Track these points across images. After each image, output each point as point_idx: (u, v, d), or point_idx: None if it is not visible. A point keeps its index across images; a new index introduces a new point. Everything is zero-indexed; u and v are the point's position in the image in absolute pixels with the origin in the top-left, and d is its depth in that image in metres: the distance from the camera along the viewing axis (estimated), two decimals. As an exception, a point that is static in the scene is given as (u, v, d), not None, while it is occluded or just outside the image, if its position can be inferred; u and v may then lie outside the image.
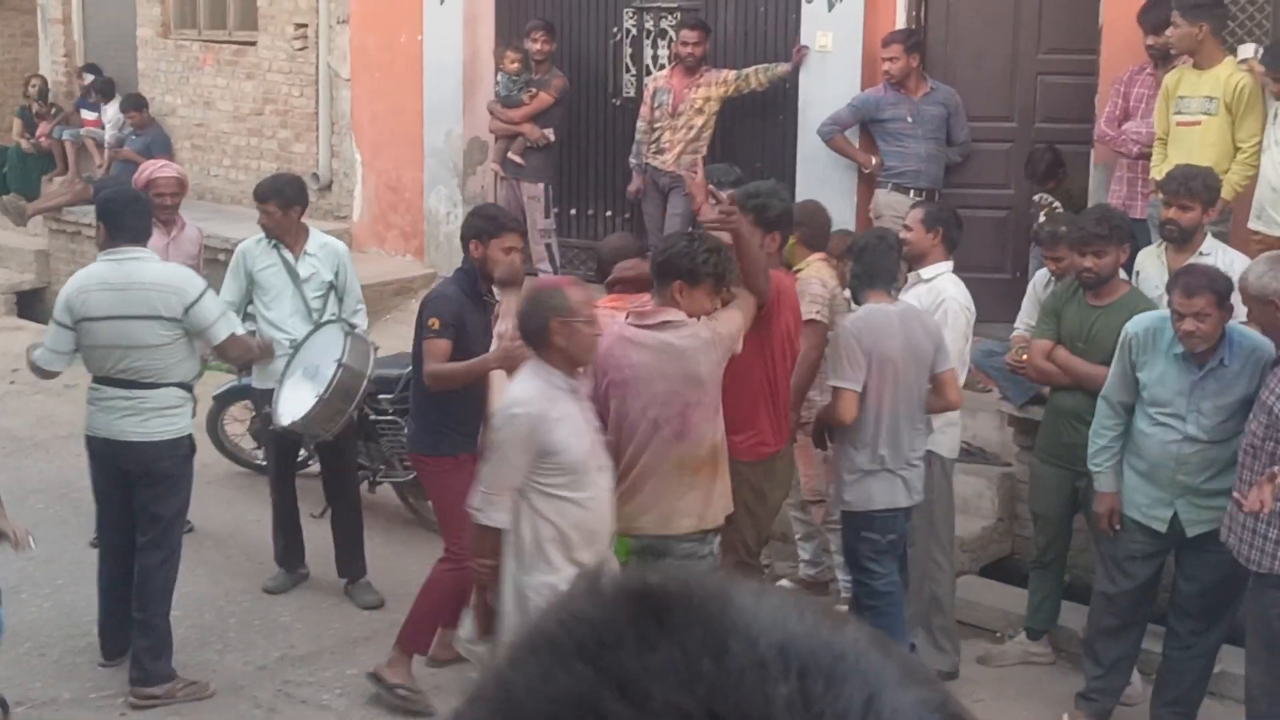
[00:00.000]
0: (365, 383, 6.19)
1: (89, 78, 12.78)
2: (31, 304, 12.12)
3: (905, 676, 0.62)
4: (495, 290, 5.59)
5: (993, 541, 7.03)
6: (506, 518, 4.49)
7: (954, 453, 5.94)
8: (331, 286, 6.59)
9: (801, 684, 0.58)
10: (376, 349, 6.42)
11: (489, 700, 0.61)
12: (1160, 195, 6.13)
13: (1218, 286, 4.97)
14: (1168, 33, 6.69)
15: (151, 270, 5.61)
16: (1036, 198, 7.56)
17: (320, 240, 6.69)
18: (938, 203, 6.75)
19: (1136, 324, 5.26)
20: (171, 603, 5.73)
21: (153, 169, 7.12)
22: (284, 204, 6.51)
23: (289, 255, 6.55)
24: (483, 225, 5.60)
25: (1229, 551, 5.03)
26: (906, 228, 5.94)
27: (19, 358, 10.37)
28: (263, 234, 6.61)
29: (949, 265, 5.89)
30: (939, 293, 5.71)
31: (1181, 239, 5.88)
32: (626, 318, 4.97)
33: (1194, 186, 5.84)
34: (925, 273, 5.82)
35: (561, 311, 4.43)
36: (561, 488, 4.45)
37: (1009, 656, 6.08)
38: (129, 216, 5.65)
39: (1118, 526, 5.34)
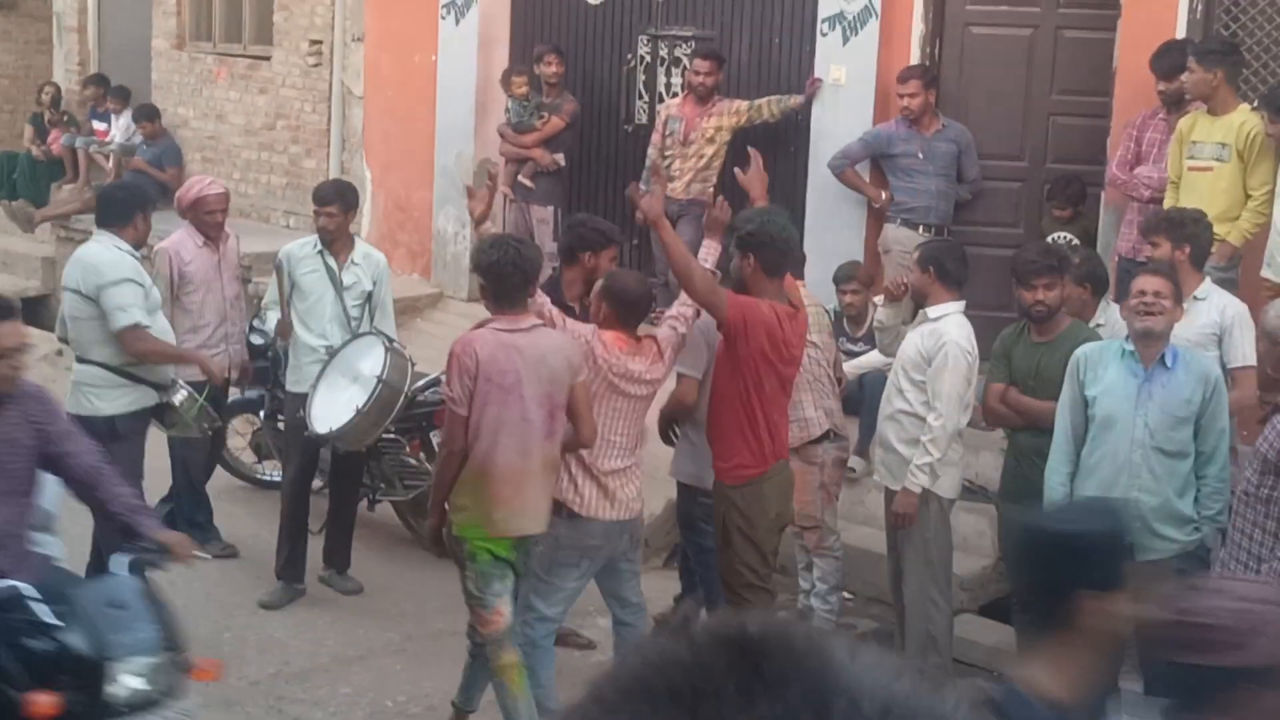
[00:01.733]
0: (402, 399, 6.27)
1: (92, 88, 12.84)
2: (37, 311, 12.10)
3: None
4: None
5: (992, 580, 7.01)
6: None
7: (953, 493, 5.92)
8: (369, 297, 6.67)
9: None
10: (414, 364, 6.46)
11: None
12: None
13: (1171, 276, 5.12)
14: (1183, 78, 6.72)
15: (90, 249, 6.13)
16: (1053, 237, 7.55)
17: (364, 250, 6.84)
18: (933, 240, 6.74)
19: (1084, 349, 5.34)
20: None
21: (200, 186, 7.14)
22: (345, 207, 6.68)
23: (333, 262, 6.63)
24: (596, 237, 5.75)
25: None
26: (907, 269, 5.98)
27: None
28: (311, 239, 6.74)
29: (958, 305, 5.79)
30: (940, 335, 5.66)
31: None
32: (485, 325, 5.05)
33: (1152, 224, 5.91)
34: (931, 312, 5.78)
35: None
36: None
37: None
38: (107, 203, 6.23)
39: None
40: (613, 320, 5.28)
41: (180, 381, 6.21)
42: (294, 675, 5.97)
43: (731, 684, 0.58)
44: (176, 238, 7.04)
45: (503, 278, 4.98)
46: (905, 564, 5.79)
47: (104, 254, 5.96)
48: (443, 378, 5.53)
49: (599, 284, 5.42)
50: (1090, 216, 7.70)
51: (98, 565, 5.46)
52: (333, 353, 6.45)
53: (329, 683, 5.93)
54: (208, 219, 6.91)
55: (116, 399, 6.00)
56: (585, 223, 6.03)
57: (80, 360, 6.01)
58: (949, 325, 5.72)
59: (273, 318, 6.76)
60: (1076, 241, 7.43)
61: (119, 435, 5.92)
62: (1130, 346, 5.12)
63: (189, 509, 7.10)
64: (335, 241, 6.63)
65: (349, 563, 6.84)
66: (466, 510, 5.07)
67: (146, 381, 6.10)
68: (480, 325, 5.13)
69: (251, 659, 6.10)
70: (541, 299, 5.22)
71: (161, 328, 6.20)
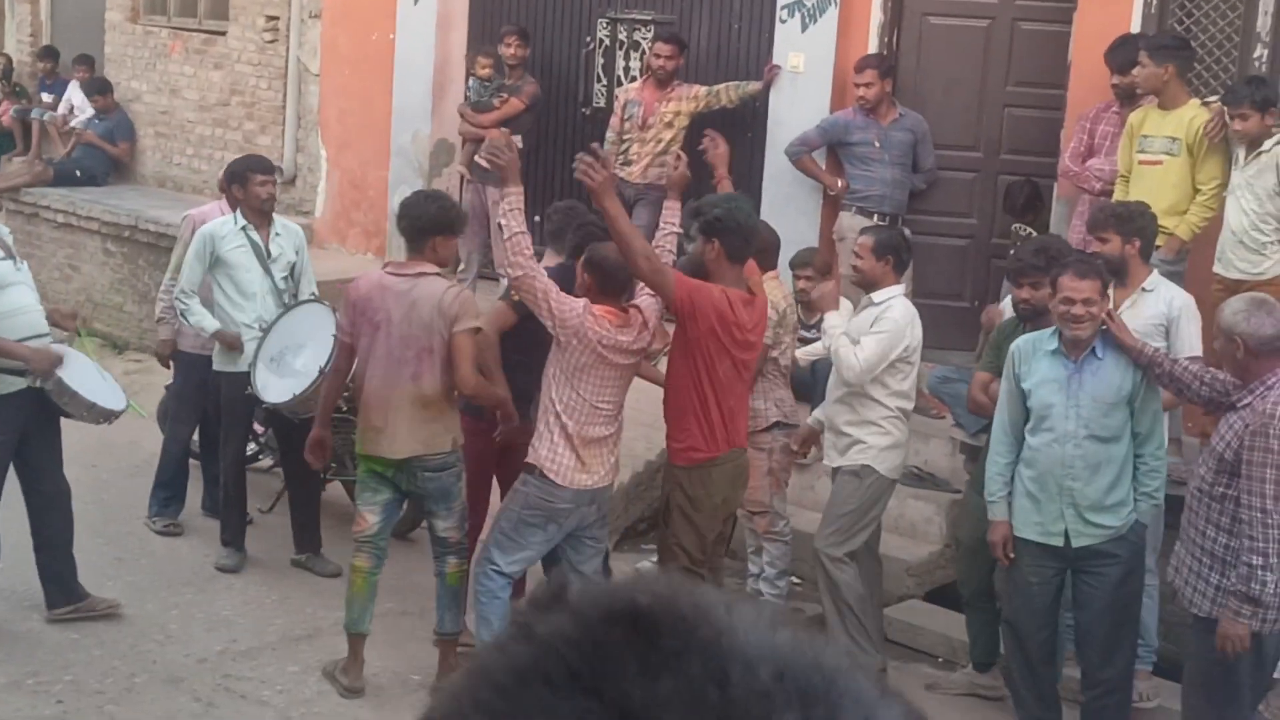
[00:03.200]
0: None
1: (44, 61, 12.67)
2: (-16, 284, 11.97)
3: (883, 693, 0.62)
4: None
5: (939, 567, 7.07)
6: None
7: (895, 474, 5.96)
8: (292, 268, 6.77)
9: (805, 713, 0.58)
10: None
11: None
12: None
13: (1104, 276, 5.11)
14: (1134, 72, 6.78)
15: None
16: (1015, 227, 7.61)
17: (282, 222, 6.95)
18: (885, 227, 6.77)
19: (1018, 341, 5.39)
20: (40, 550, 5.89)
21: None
22: (270, 174, 6.79)
23: (257, 236, 6.62)
24: (602, 234, 5.83)
25: (1120, 571, 5.11)
26: (857, 254, 5.96)
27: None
28: (229, 217, 6.71)
29: (900, 289, 5.93)
30: (886, 311, 5.79)
31: (1111, 271, 5.93)
32: (385, 268, 5.70)
33: (1100, 219, 5.92)
34: (877, 296, 5.87)
35: None
36: None
37: (956, 685, 6.10)
38: None
39: (1011, 555, 5.36)
40: (595, 291, 5.32)
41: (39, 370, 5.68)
42: (241, 653, 5.95)
43: (632, 660, 0.58)
44: (208, 208, 7.24)
45: (408, 226, 5.59)
46: (823, 519, 5.89)
47: None
48: None
49: (582, 256, 5.52)
50: (1048, 210, 7.75)
51: None
52: (268, 326, 6.44)
53: (276, 661, 5.91)
54: (259, 191, 6.94)
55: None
56: (593, 221, 6.05)
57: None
58: (895, 306, 5.82)
59: (195, 306, 6.59)
60: (1035, 234, 7.49)
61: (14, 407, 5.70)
62: (1056, 345, 5.16)
63: (158, 477, 7.12)
64: (262, 214, 6.67)
65: (320, 543, 6.84)
66: (357, 429, 5.71)
67: (2, 368, 5.70)
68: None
69: (199, 637, 6.06)
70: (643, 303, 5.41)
71: (8, 308, 5.68)
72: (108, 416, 5.98)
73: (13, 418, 5.77)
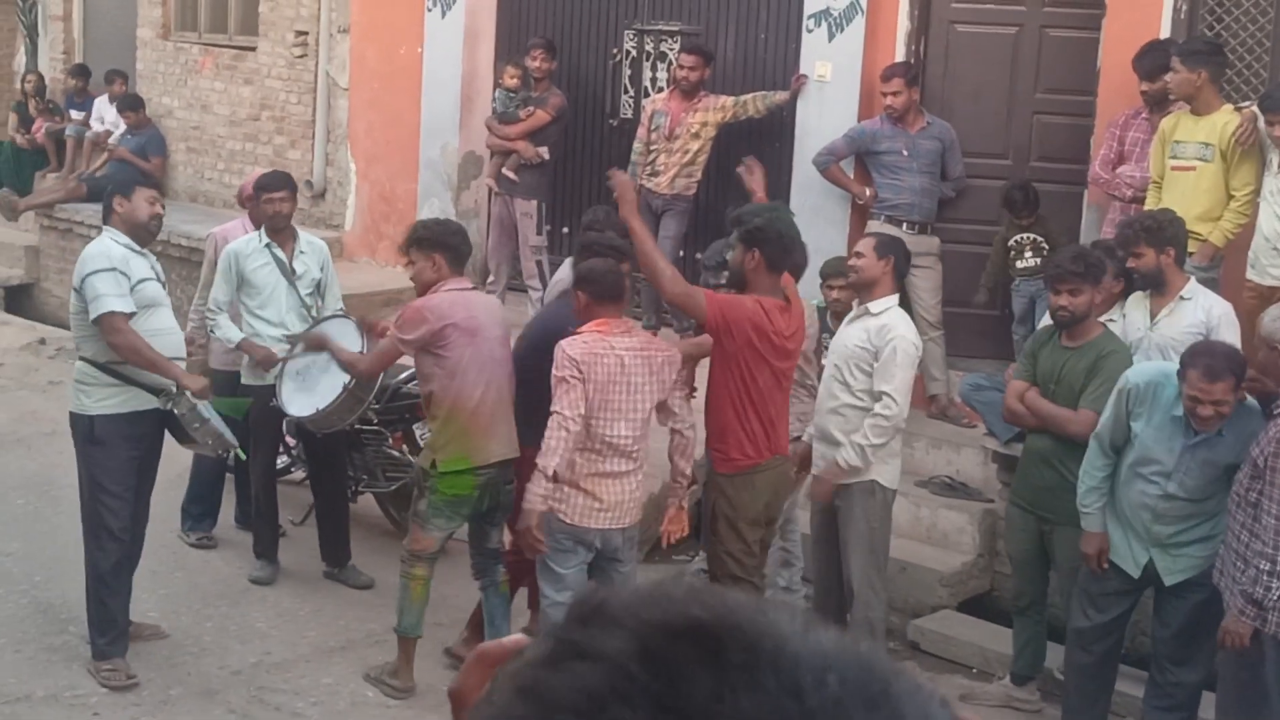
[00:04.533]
0: (381, 375, 6.42)
1: (75, 79, 12.80)
2: (20, 299, 12.08)
3: (929, 693, 0.64)
4: None
5: (972, 577, 7.05)
6: None
7: (896, 484, 5.89)
8: (318, 284, 6.79)
9: (871, 715, 0.60)
10: None
11: None
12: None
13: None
14: (1166, 78, 6.75)
15: (89, 244, 6.02)
16: (1019, 238, 7.55)
17: (307, 238, 6.94)
18: (881, 233, 6.75)
19: (1139, 375, 5.25)
20: (100, 582, 5.76)
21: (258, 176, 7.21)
22: (291, 192, 6.77)
23: (281, 254, 6.67)
24: (611, 253, 6.02)
25: (1203, 594, 5.08)
26: (858, 254, 5.86)
27: (5, 352, 10.35)
28: (254, 235, 6.75)
29: (895, 299, 5.78)
30: (889, 330, 5.62)
31: (1146, 284, 5.91)
32: (450, 285, 5.77)
33: (1130, 234, 5.86)
34: (874, 306, 5.70)
35: None
36: None
37: (991, 697, 6.06)
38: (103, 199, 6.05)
39: (1105, 566, 5.35)
40: (592, 305, 5.32)
41: (190, 392, 5.73)
42: (275, 665, 5.97)
43: (706, 678, 0.58)
44: (230, 225, 7.26)
45: (457, 245, 5.83)
46: (850, 553, 5.77)
47: (94, 246, 5.84)
48: None
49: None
50: (1051, 216, 7.68)
51: None
52: (294, 339, 6.47)
53: (310, 673, 5.93)
54: (265, 209, 6.93)
55: (102, 398, 5.70)
56: (599, 241, 6.09)
57: (80, 357, 5.84)
58: (894, 319, 5.68)
59: (223, 320, 6.65)
60: (1043, 242, 7.46)
61: (97, 438, 5.67)
62: (1181, 413, 5.05)
63: (192, 492, 7.17)
64: (282, 231, 6.68)
65: (349, 556, 6.86)
66: (450, 445, 5.63)
67: (137, 383, 5.70)
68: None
69: (233, 649, 6.09)
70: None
71: (157, 326, 5.77)
72: (228, 449, 6.09)
73: (143, 436, 5.79)
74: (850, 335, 5.75)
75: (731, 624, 0.61)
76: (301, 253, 6.75)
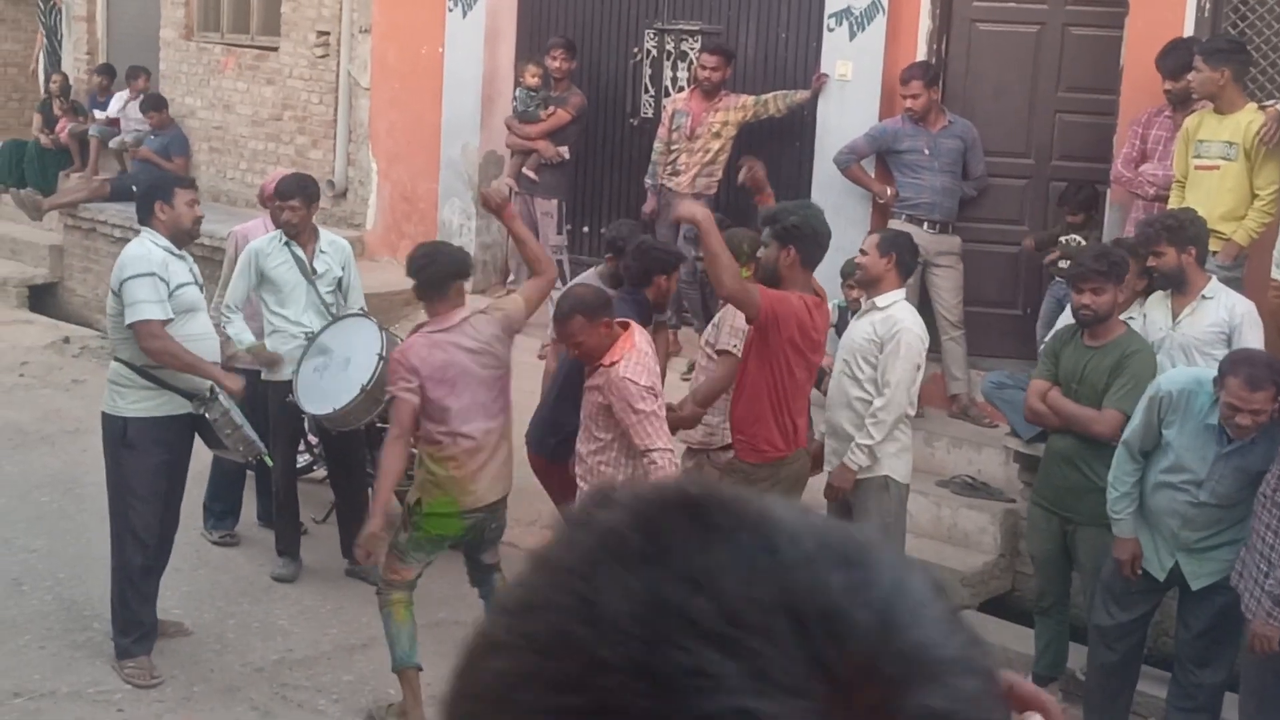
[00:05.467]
0: None
1: (99, 78, 12.89)
2: (44, 299, 12.15)
3: (907, 561, 0.68)
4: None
5: (993, 577, 7.03)
6: None
7: (908, 478, 5.91)
8: (339, 283, 6.82)
9: (848, 572, 0.64)
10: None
11: (565, 610, 0.63)
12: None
13: (1279, 379, 4.91)
14: (1189, 77, 6.72)
15: (128, 246, 5.98)
16: (1066, 238, 7.49)
17: (329, 238, 6.97)
18: (888, 229, 6.75)
19: (1171, 381, 5.23)
20: (127, 584, 5.78)
21: (279, 177, 7.23)
22: (307, 200, 6.75)
23: (301, 253, 6.71)
24: (670, 259, 6.21)
25: (1228, 597, 5.05)
26: (862, 252, 5.90)
27: (29, 351, 10.42)
28: (275, 234, 6.78)
29: (902, 293, 5.85)
30: (895, 322, 5.67)
31: (1166, 284, 5.88)
32: (424, 329, 5.55)
33: (1151, 233, 5.84)
34: (880, 300, 5.76)
35: None
36: None
37: (1012, 697, 6.04)
38: (136, 200, 6.08)
39: (1139, 572, 5.32)
40: (587, 328, 5.34)
41: (223, 397, 5.77)
42: (297, 662, 6.00)
43: (691, 538, 0.64)
44: (251, 224, 7.28)
45: (432, 277, 5.50)
46: None
47: (134, 248, 5.84)
48: None
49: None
50: (1100, 219, 7.68)
51: None
52: (313, 336, 6.50)
53: (332, 670, 5.95)
54: (279, 215, 6.97)
55: (136, 401, 5.72)
56: (655, 246, 6.35)
57: (115, 358, 5.86)
58: (901, 312, 5.74)
59: (237, 321, 6.67)
60: (1085, 244, 7.43)
61: (129, 441, 5.69)
62: (1215, 422, 5.03)
63: (214, 490, 7.19)
64: (302, 234, 6.72)
65: None
66: (436, 488, 5.47)
67: (172, 387, 5.74)
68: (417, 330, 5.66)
69: (255, 646, 6.12)
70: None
71: (194, 332, 5.79)
72: (258, 455, 6.08)
73: (174, 441, 5.80)
74: (858, 330, 5.82)
75: (719, 497, 0.67)
76: (322, 252, 6.78)
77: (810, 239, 5.46)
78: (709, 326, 6.19)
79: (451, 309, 5.48)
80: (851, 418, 5.76)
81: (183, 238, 5.88)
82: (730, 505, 0.66)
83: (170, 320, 5.65)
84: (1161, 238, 5.78)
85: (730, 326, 5.86)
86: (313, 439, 7.29)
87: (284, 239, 6.72)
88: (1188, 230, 5.80)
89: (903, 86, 7.89)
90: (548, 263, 5.97)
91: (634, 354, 5.28)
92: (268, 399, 6.74)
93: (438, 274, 5.50)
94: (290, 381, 6.47)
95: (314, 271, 6.72)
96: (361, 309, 6.81)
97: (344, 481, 6.98)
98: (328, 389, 6.32)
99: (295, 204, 6.67)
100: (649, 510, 0.66)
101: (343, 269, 6.85)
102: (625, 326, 5.41)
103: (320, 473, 7.53)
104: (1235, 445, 5.02)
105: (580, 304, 5.35)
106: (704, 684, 0.60)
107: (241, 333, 6.66)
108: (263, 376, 6.75)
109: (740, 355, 5.70)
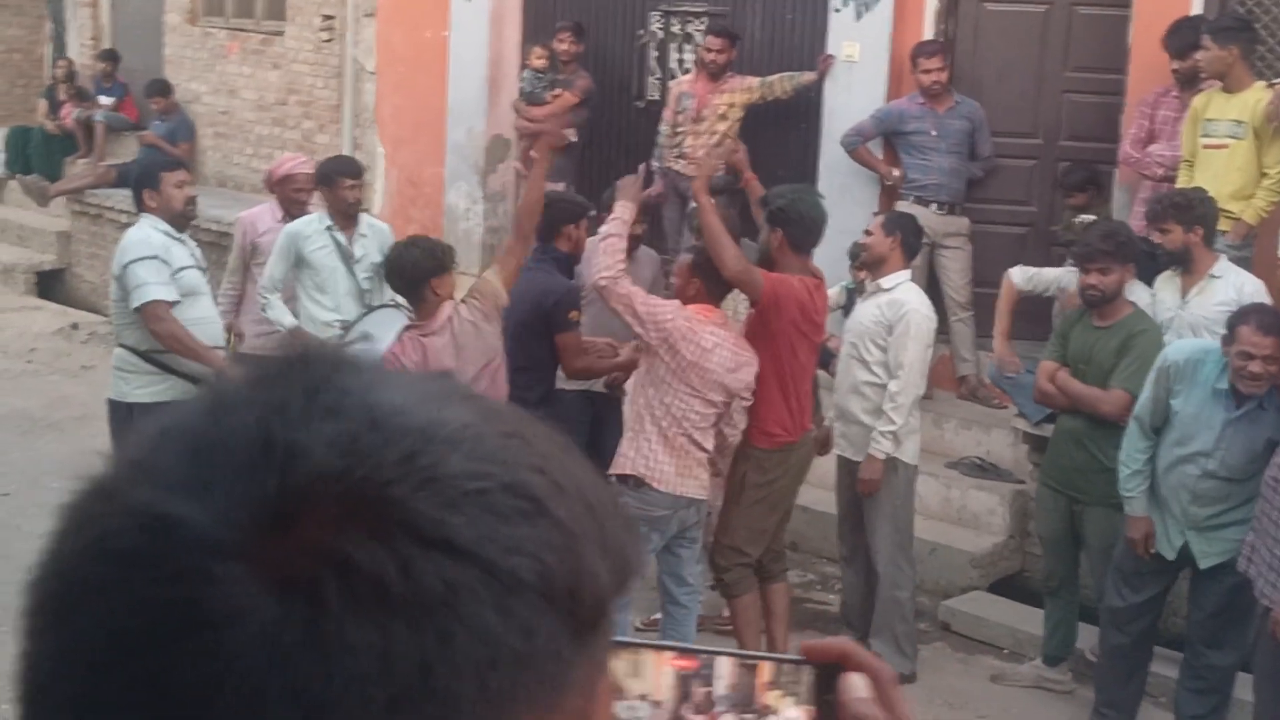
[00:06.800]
0: None
1: (104, 63, 12.89)
2: (52, 284, 12.17)
3: (493, 452, 0.62)
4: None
5: (1003, 558, 7.03)
6: None
7: (916, 459, 5.91)
8: (377, 268, 6.69)
9: (358, 429, 0.61)
10: None
11: (165, 415, 0.65)
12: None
13: None
14: (1197, 55, 6.69)
15: (128, 231, 5.97)
16: (1078, 219, 7.46)
17: (369, 221, 6.91)
18: (893, 211, 6.74)
19: (1177, 351, 5.23)
20: None
21: (293, 164, 7.20)
22: (358, 177, 6.79)
23: (341, 237, 6.67)
24: (576, 209, 5.95)
25: (1238, 578, 5.04)
26: (867, 233, 5.92)
27: (37, 337, 10.44)
28: (315, 216, 6.76)
29: (908, 274, 5.85)
30: (901, 304, 5.69)
31: (1174, 261, 5.87)
32: (411, 331, 5.42)
33: (1159, 209, 5.83)
34: (885, 282, 5.78)
35: None
36: None
37: (1023, 678, 6.04)
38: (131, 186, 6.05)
39: (1152, 550, 5.30)
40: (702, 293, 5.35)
41: None
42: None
43: (266, 376, 0.64)
44: (258, 210, 7.24)
45: (404, 280, 5.43)
46: (875, 533, 5.81)
47: (134, 233, 5.84)
48: None
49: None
50: (1107, 196, 7.66)
51: None
52: (348, 326, 6.47)
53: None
54: (294, 195, 6.99)
55: (142, 386, 5.74)
56: (561, 197, 6.16)
57: (118, 344, 5.90)
58: (907, 293, 5.74)
59: (275, 303, 6.65)
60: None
61: (135, 427, 5.70)
62: (1224, 386, 5.02)
63: None
64: (347, 215, 6.68)
65: None
66: None
67: (176, 372, 5.72)
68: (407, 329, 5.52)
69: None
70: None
71: (197, 315, 5.79)
72: None
73: None
74: (865, 312, 5.82)
75: (334, 356, 0.66)
76: (362, 235, 6.72)
77: (797, 223, 5.43)
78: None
79: (434, 309, 5.36)
80: (859, 400, 5.76)
81: (179, 220, 5.86)
82: (330, 362, 0.65)
83: (176, 303, 5.64)
84: (1169, 215, 5.77)
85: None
86: None
87: (325, 222, 6.69)
88: (1195, 210, 5.78)
89: (924, 60, 7.83)
90: (530, 226, 5.66)
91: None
92: None
93: (407, 279, 5.42)
94: None
95: (352, 256, 6.68)
96: (392, 299, 6.74)
97: None
98: None
99: (359, 182, 6.73)
100: (275, 359, 0.66)
101: (381, 253, 6.68)
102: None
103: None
104: (1244, 410, 5.00)
105: None
106: (154, 478, 0.61)
107: (282, 315, 6.62)
108: None
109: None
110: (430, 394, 0.65)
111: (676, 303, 5.29)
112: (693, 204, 6.77)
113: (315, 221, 6.71)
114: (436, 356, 5.23)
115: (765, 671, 0.77)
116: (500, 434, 0.64)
